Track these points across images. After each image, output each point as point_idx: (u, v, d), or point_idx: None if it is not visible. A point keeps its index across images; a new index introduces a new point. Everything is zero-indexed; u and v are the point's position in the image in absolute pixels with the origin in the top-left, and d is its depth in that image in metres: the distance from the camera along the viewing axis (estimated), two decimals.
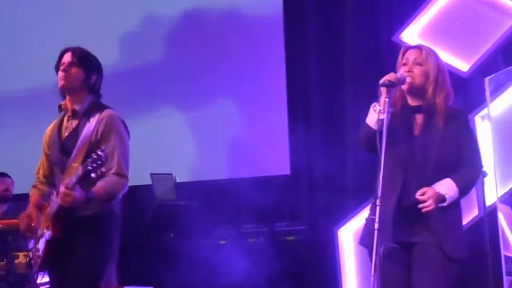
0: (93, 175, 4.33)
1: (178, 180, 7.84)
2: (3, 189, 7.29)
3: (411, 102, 4.32)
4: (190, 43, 8.50)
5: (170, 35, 8.60)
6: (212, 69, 8.35)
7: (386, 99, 4.10)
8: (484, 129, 6.20)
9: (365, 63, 7.73)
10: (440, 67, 4.30)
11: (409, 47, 4.39)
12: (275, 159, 8.09)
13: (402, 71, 4.27)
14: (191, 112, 8.38)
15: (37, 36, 8.71)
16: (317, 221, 7.65)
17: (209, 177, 8.06)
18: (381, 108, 4.10)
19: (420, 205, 4.06)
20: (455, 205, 4.21)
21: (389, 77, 4.16)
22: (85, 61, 4.73)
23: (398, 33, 6.95)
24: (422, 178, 4.15)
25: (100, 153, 4.26)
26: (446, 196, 4.09)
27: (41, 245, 4.64)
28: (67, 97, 4.75)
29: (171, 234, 7.83)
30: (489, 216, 5.97)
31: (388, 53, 7.36)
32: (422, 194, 4.08)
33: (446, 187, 4.11)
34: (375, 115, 4.13)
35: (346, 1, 7.94)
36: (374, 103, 4.17)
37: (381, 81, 4.15)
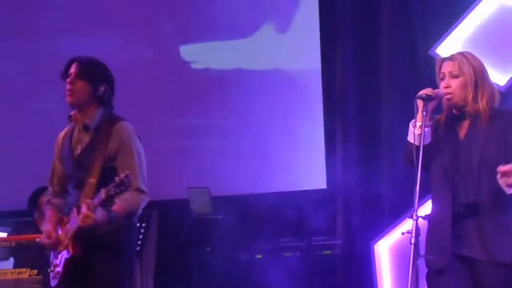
0: (116, 200, 4.37)
1: (214, 194, 7.86)
2: None
3: (455, 111, 4.30)
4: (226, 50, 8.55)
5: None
6: (247, 82, 8.38)
7: (423, 113, 4.09)
8: None
9: (402, 78, 7.70)
10: (478, 70, 4.25)
11: (443, 60, 4.36)
12: (311, 172, 8.09)
13: (440, 87, 4.26)
14: (228, 126, 8.40)
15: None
16: (354, 236, 7.62)
17: (246, 191, 8.07)
18: (419, 123, 4.09)
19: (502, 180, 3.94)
20: (508, 206, 4.13)
21: (427, 91, 4.16)
22: (90, 72, 4.59)
23: (435, 47, 6.91)
24: (469, 181, 4.11)
25: (124, 178, 4.24)
26: None
27: (60, 260, 4.64)
28: (76, 109, 4.67)
29: (208, 248, 7.84)
30: None
31: (425, 67, 7.33)
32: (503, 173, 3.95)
33: None
34: (414, 130, 4.13)
35: (382, 15, 7.92)
36: (413, 120, 4.16)
37: (418, 94, 4.14)
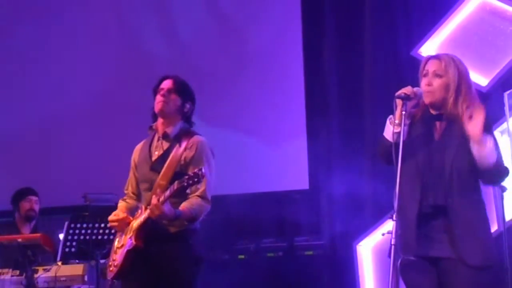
0: (188, 191, 4.65)
1: None
2: (27, 208, 7.24)
3: (433, 111, 4.27)
4: (211, 59, 8.54)
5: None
6: (233, 85, 8.38)
7: (402, 112, 4.08)
8: (503, 143, 6.17)
9: (384, 78, 7.72)
10: (462, 75, 4.21)
11: (430, 57, 4.32)
12: (294, 173, 8.09)
13: (422, 85, 4.24)
14: (210, 127, 8.38)
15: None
16: (336, 236, 7.64)
17: (228, 191, 8.06)
18: (397, 121, 4.09)
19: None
20: (477, 209, 4.14)
21: (406, 90, 4.12)
22: (183, 89, 4.98)
23: (417, 47, 6.95)
24: (439, 183, 4.10)
25: (198, 171, 4.47)
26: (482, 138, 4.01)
27: (118, 255, 4.80)
28: (160, 120, 4.95)
29: None
30: (508, 231, 5.94)
31: (407, 67, 7.36)
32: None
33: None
34: (391, 128, 4.12)
35: (365, 16, 7.95)
36: (390, 116, 4.16)
37: (397, 93, 4.12)
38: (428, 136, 4.20)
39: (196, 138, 4.90)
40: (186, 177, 4.48)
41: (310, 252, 7.71)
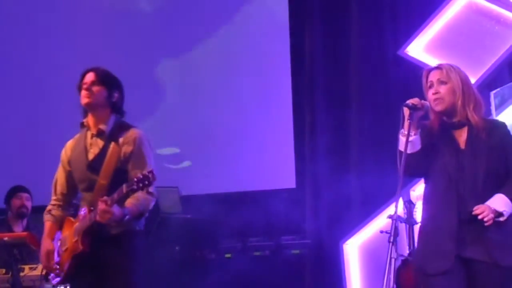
0: (128, 199, 4.49)
1: (183, 194, 7.84)
2: (18, 205, 7.21)
3: (447, 119, 4.34)
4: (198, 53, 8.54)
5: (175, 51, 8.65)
6: (218, 82, 8.38)
7: (409, 121, 4.13)
8: None
9: (371, 77, 7.75)
10: (464, 79, 4.32)
11: (430, 70, 4.40)
12: (280, 172, 8.10)
13: (429, 96, 4.29)
14: (198, 125, 8.39)
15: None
16: (323, 235, 7.65)
17: (215, 190, 8.06)
18: (405, 131, 4.13)
19: (480, 216, 4.06)
20: (509, 216, 4.19)
21: (414, 101, 4.18)
22: (107, 79, 4.81)
23: (404, 47, 6.96)
24: (474, 190, 4.16)
25: (148, 174, 4.36)
26: (504, 212, 4.11)
27: (64, 260, 4.70)
28: (90, 115, 4.83)
29: (177, 248, 7.83)
30: None
31: (394, 67, 7.39)
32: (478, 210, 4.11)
33: (501, 203, 4.13)
34: (403, 139, 4.16)
35: (352, 15, 7.97)
36: (401, 130, 4.20)
37: (405, 102, 4.18)
38: (453, 146, 4.27)
39: (132, 132, 4.75)
40: (135, 180, 4.35)
41: (297, 251, 7.72)
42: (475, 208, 4.09)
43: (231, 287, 7.28)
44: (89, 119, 4.83)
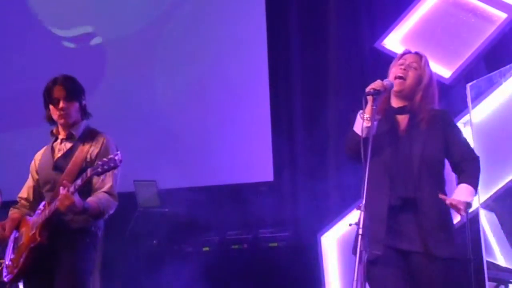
0: (102, 177, 4.48)
1: (161, 187, 7.82)
2: None
3: (395, 103, 4.33)
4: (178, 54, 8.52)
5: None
6: (194, 73, 8.36)
7: (373, 107, 4.08)
8: (466, 135, 6.21)
9: (348, 70, 7.76)
10: (432, 78, 4.35)
11: (409, 51, 4.41)
12: (258, 165, 8.10)
13: (394, 71, 4.28)
14: (175, 119, 8.37)
15: None
16: (300, 228, 7.66)
17: (193, 184, 8.05)
18: (367, 115, 4.08)
19: (462, 213, 4.08)
20: (445, 205, 4.18)
21: (375, 85, 4.14)
22: (74, 90, 4.76)
23: (381, 40, 6.96)
24: (408, 176, 4.15)
25: (115, 157, 4.28)
26: (471, 202, 4.13)
27: (19, 256, 4.63)
28: (60, 126, 4.80)
29: (155, 242, 7.82)
30: (471, 222, 5.97)
31: (371, 59, 7.39)
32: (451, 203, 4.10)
33: (466, 193, 4.15)
34: (362, 122, 4.12)
35: (329, 9, 7.97)
36: (361, 111, 4.14)
37: (366, 90, 4.12)
38: (393, 132, 4.25)
39: (101, 135, 4.76)
40: (100, 163, 4.28)
41: (275, 244, 7.72)
42: (451, 199, 4.08)
43: (209, 281, 7.28)
44: (59, 128, 4.83)
